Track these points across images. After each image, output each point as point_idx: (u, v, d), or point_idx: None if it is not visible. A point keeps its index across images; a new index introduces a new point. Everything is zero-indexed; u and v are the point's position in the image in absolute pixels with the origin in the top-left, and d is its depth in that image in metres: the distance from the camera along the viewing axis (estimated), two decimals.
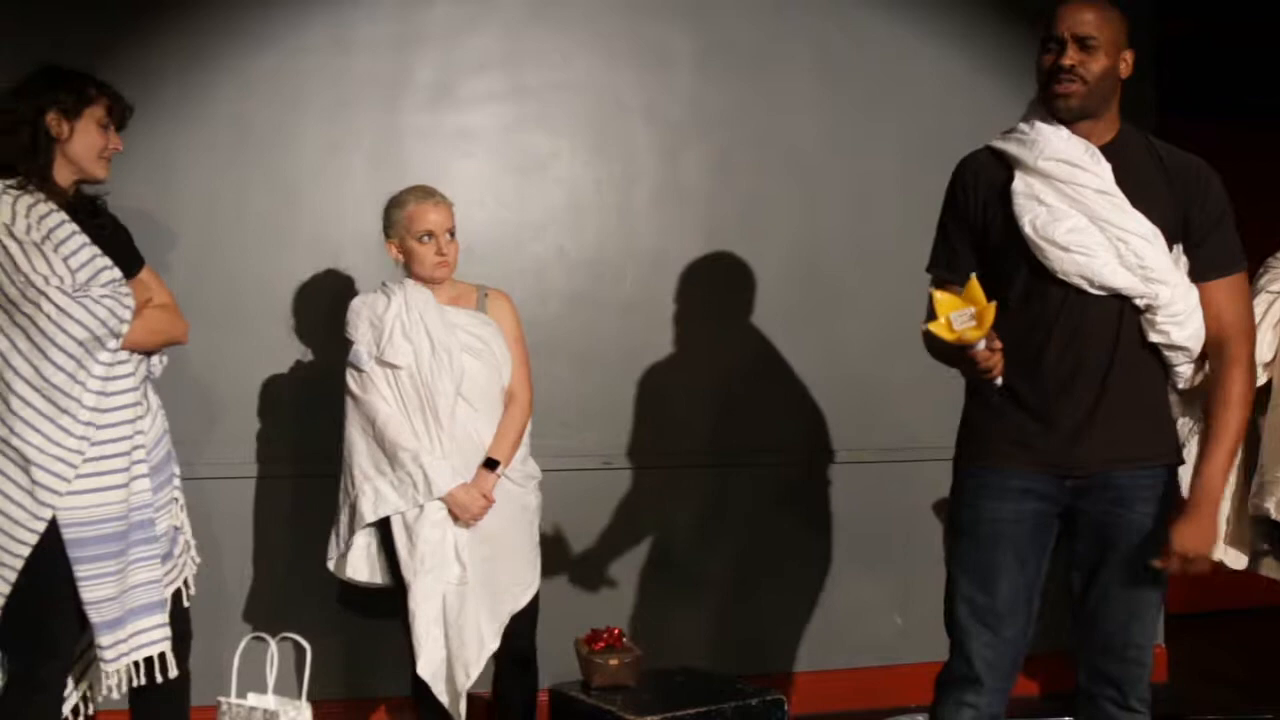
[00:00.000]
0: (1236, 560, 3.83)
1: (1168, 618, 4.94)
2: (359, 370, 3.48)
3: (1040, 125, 2.77)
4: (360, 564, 3.53)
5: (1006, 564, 2.76)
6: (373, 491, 3.44)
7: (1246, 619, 5.51)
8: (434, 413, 3.44)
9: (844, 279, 4.52)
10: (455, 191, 4.26)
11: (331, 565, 3.57)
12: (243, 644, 3.42)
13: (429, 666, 3.40)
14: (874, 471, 4.48)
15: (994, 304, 2.54)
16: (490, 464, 3.48)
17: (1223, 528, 3.78)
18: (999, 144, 2.83)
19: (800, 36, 4.52)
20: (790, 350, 4.51)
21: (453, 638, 3.41)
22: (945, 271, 2.87)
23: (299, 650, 3.32)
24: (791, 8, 4.51)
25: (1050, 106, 2.75)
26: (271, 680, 3.29)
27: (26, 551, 2.87)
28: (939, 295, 2.59)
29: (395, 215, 3.54)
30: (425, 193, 3.56)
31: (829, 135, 4.54)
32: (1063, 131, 2.75)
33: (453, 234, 3.55)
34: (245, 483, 4.09)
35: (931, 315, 2.70)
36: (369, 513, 3.44)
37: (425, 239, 3.50)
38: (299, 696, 3.30)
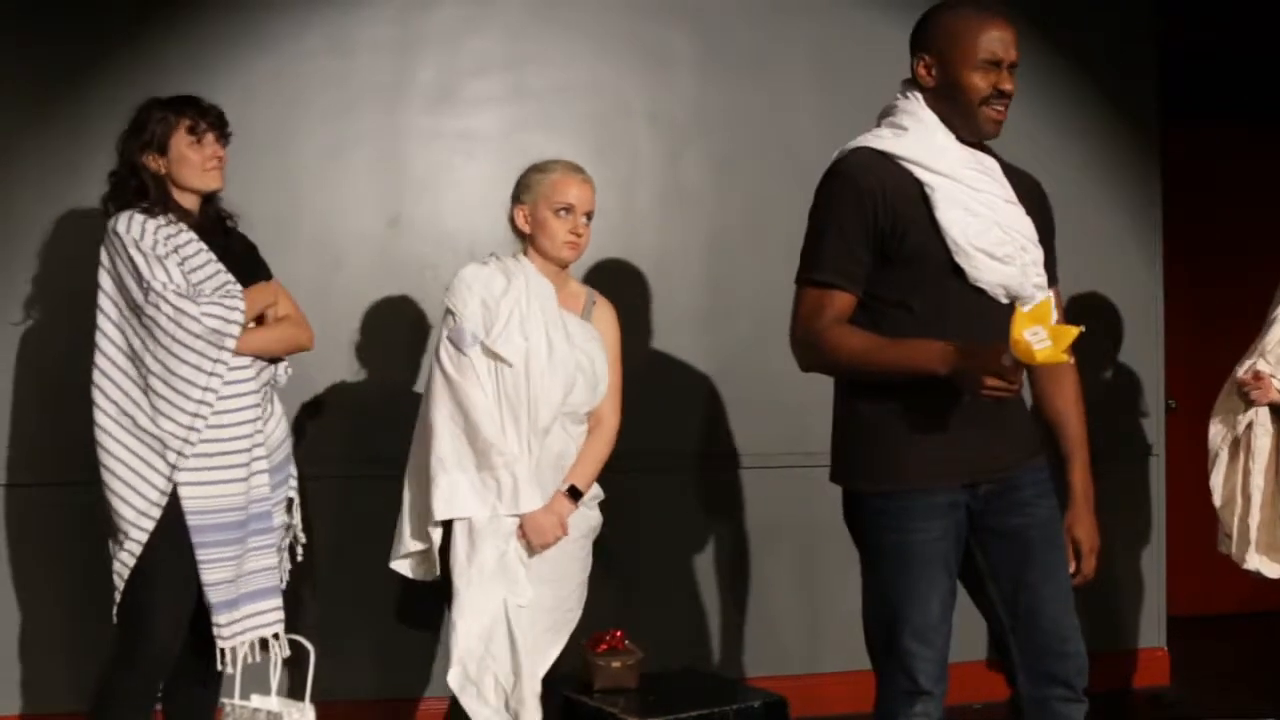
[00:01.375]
0: (1272, 569, 3.81)
1: (1171, 620, 4.95)
2: (460, 351, 3.15)
3: (932, 126, 2.73)
4: (421, 561, 3.32)
5: (939, 581, 2.71)
6: (449, 485, 3.13)
7: (1250, 621, 5.51)
8: (534, 423, 3.15)
9: None
10: (457, 194, 4.30)
11: (407, 569, 3.36)
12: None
13: (459, 679, 3.15)
14: None
15: (1080, 327, 2.41)
16: (574, 493, 3.25)
17: (1255, 535, 3.77)
18: (888, 147, 2.73)
19: (801, 38, 4.53)
20: (791, 352, 4.50)
21: (524, 664, 3.15)
22: (843, 280, 2.69)
23: (303, 652, 3.32)
24: (792, 10, 4.52)
25: (982, 128, 2.72)
26: (275, 682, 3.28)
27: (150, 529, 3.12)
28: (1017, 316, 2.40)
29: (534, 180, 3.25)
30: (574, 167, 3.27)
31: (830, 137, 4.45)
32: (951, 135, 2.74)
33: (590, 218, 3.27)
34: None
35: (825, 324, 2.65)
36: (440, 508, 3.14)
37: (563, 213, 3.21)
38: (303, 699, 3.29)
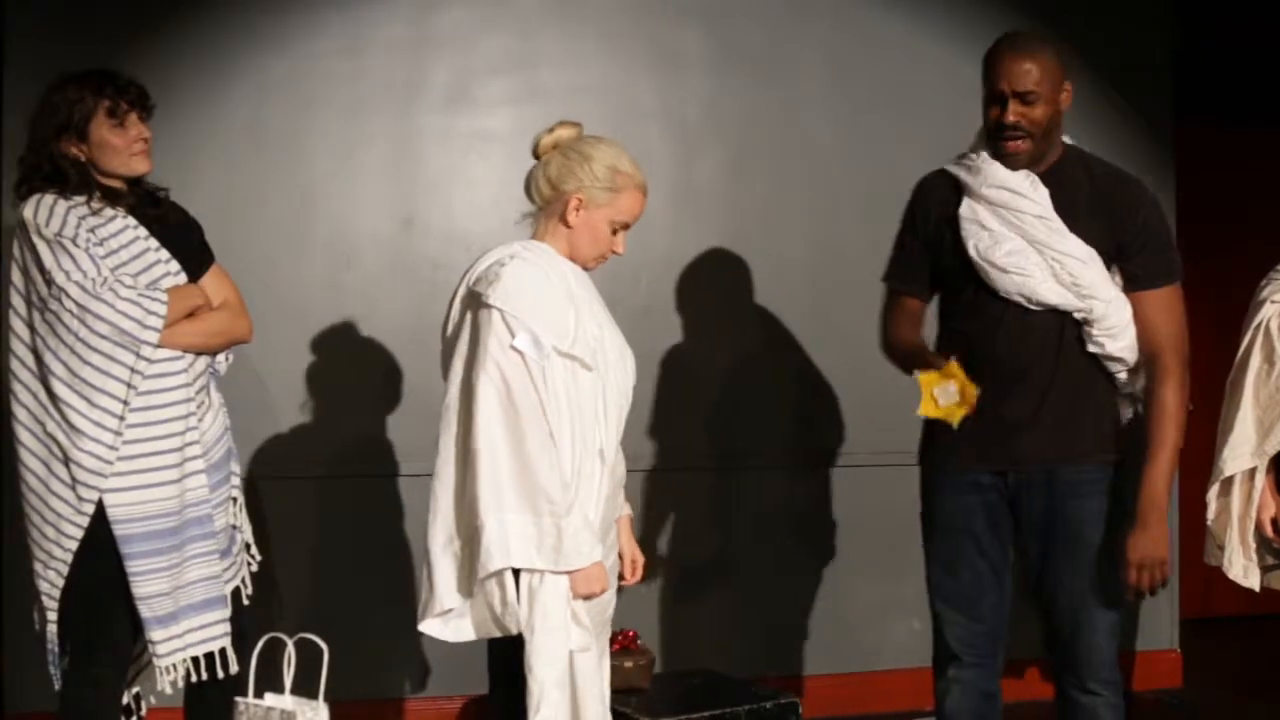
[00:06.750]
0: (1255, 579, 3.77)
1: (1182, 622, 4.94)
2: (532, 357, 2.63)
3: (985, 155, 2.92)
4: (468, 619, 2.72)
5: (966, 552, 2.99)
6: (521, 524, 2.61)
7: (1263, 623, 5.49)
8: (609, 438, 2.76)
9: (859, 281, 4.50)
10: (470, 194, 4.31)
11: (443, 631, 2.76)
12: (260, 644, 3.42)
13: None
14: (889, 474, 4.46)
15: (978, 389, 2.78)
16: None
17: (1255, 553, 3.73)
18: (952, 168, 3.00)
19: (814, 40, 4.53)
20: (804, 353, 4.51)
21: (587, 706, 2.70)
22: (899, 283, 3.15)
23: (316, 650, 3.32)
24: (806, 11, 4.52)
25: (1000, 160, 2.88)
26: (289, 680, 3.28)
27: (75, 544, 2.90)
28: (921, 375, 2.83)
29: (616, 182, 2.77)
30: (644, 185, 2.83)
31: (843, 138, 4.55)
32: (995, 160, 2.92)
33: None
34: (257, 483, 4.09)
35: (888, 322, 3.14)
36: (497, 555, 2.60)
37: (620, 231, 2.82)
38: (316, 697, 3.29)
